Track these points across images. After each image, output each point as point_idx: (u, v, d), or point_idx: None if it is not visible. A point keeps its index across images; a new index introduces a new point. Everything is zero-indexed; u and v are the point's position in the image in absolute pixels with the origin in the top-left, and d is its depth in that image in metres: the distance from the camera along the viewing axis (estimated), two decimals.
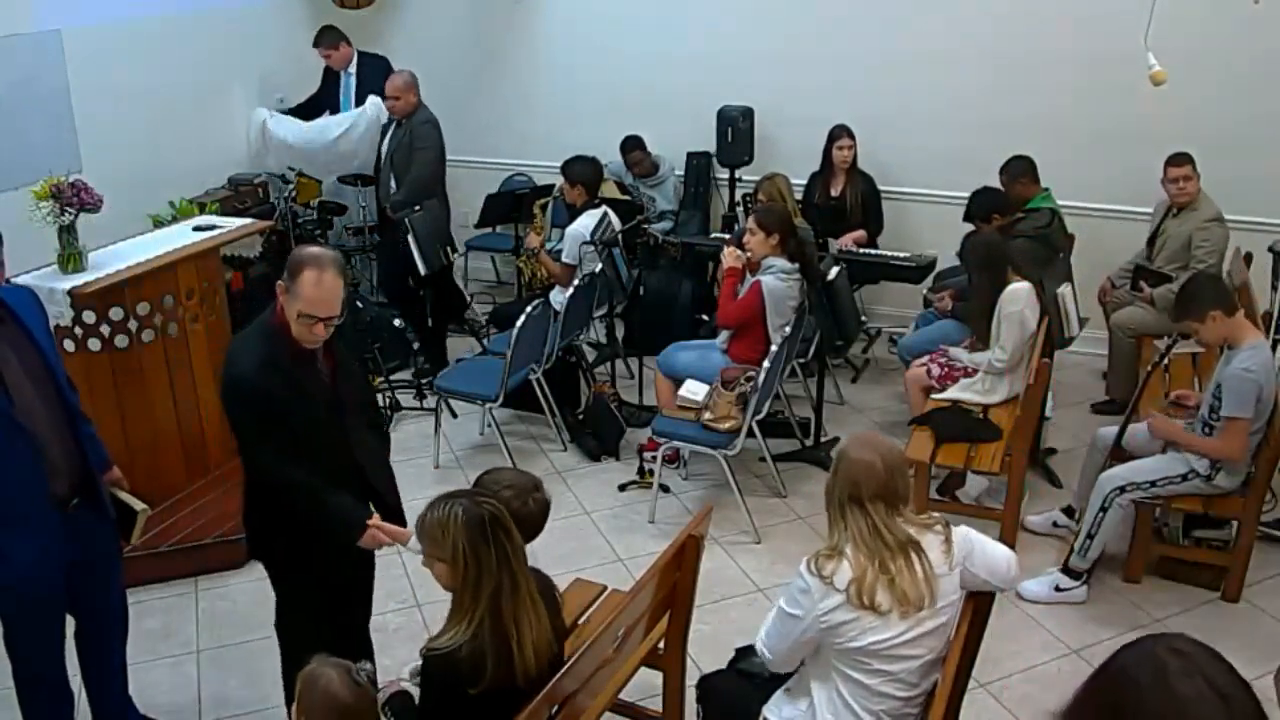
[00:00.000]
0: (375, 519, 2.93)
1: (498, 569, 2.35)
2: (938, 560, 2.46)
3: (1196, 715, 1.38)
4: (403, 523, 3.08)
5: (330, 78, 6.75)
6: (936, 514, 2.60)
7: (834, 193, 6.17)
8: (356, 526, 2.89)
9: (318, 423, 2.86)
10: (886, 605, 2.39)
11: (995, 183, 5.50)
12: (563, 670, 2.46)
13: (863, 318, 6.15)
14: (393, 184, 6.11)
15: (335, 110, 6.64)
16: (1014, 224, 5.32)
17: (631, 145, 6.56)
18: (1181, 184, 5.14)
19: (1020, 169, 5.47)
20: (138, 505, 3.12)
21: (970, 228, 5.25)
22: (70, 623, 3.08)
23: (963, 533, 2.57)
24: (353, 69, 6.64)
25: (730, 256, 4.90)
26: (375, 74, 6.55)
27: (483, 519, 2.35)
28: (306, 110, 6.71)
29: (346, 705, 2.18)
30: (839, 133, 6.05)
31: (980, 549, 2.58)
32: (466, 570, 2.34)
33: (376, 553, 3.15)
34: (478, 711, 2.34)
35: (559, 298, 5.48)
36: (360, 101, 6.57)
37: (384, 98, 6.07)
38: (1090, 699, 1.50)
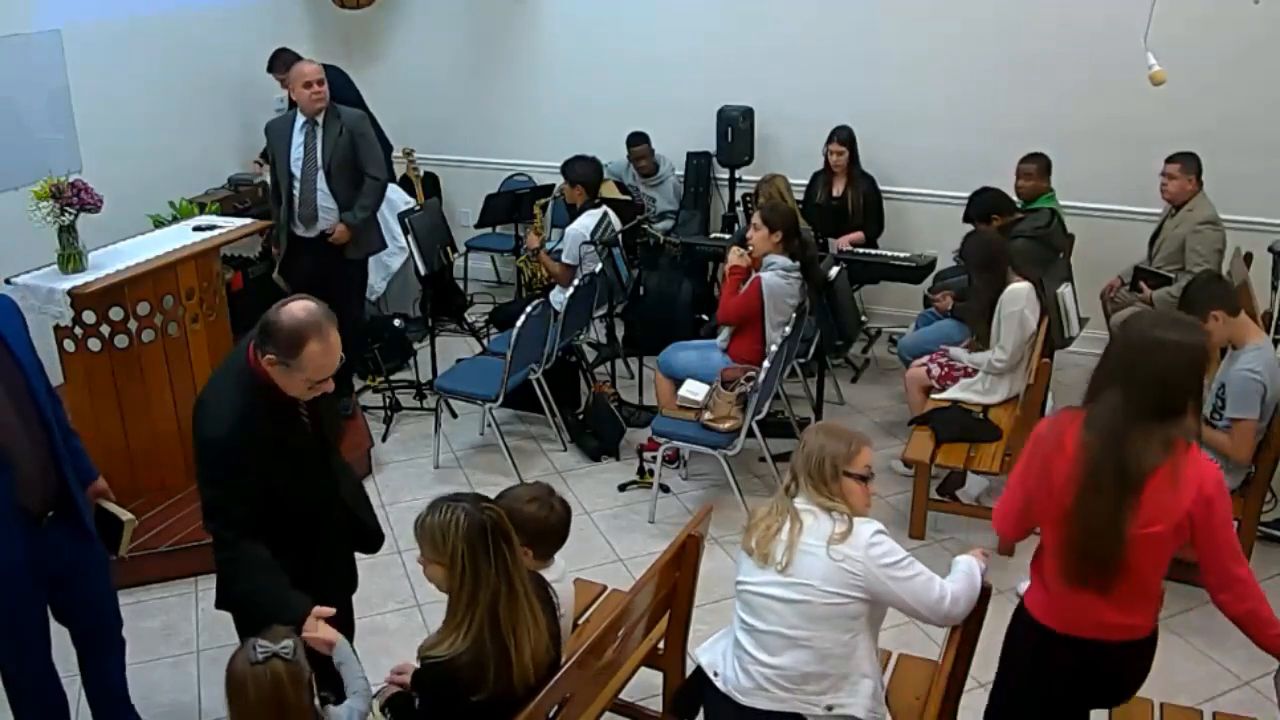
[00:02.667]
0: (318, 611, 2.57)
1: (496, 577, 2.33)
2: (813, 539, 2.63)
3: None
4: (381, 540, 3.00)
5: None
6: (847, 513, 2.64)
7: (835, 193, 6.17)
8: (295, 615, 2.52)
9: (301, 469, 2.70)
10: (753, 546, 2.72)
11: (995, 183, 5.49)
12: (562, 670, 2.46)
13: (863, 318, 6.16)
14: (327, 197, 5.08)
15: None
16: (1014, 224, 5.32)
17: (637, 140, 6.57)
18: (1164, 181, 5.15)
19: (1044, 164, 5.47)
20: (124, 515, 3.04)
21: (970, 228, 5.25)
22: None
23: (866, 538, 2.60)
24: None
25: (734, 255, 4.91)
26: (335, 85, 6.46)
27: (484, 526, 2.33)
28: None
29: (231, 675, 2.24)
30: (830, 137, 6.06)
31: (891, 566, 2.60)
32: (464, 577, 2.32)
33: (374, 555, 3.11)
34: (477, 715, 2.34)
35: (559, 298, 5.48)
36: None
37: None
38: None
